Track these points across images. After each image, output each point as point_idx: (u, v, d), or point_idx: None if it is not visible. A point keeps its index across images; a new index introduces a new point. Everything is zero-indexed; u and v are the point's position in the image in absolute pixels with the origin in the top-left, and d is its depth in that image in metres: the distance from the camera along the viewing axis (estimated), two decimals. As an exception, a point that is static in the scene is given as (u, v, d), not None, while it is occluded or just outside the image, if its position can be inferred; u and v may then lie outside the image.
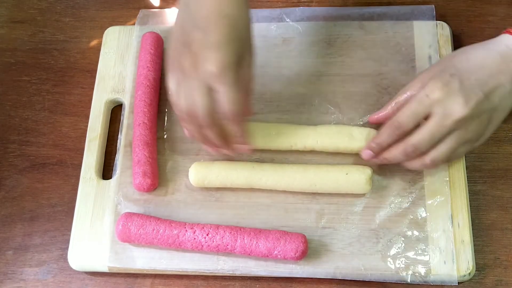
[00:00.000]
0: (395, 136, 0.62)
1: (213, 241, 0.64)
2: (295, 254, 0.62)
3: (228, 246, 0.64)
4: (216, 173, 0.67)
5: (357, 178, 0.65)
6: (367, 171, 0.65)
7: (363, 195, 0.67)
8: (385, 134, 0.63)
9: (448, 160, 0.63)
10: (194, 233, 0.64)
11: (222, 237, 0.64)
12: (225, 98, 0.57)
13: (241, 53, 0.58)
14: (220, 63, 0.55)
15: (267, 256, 0.63)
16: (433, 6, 0.76)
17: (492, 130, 0.62)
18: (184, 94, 0.59)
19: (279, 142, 0.68)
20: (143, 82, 0.72)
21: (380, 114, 0.67)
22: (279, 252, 0.63)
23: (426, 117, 0.60)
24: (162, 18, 0.80)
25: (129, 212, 0.66)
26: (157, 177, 0.69)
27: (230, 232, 0.64)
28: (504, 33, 0.64)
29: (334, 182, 0.66)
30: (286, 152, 0.70)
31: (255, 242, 0.63)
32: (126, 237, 0.65)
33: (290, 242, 0.63)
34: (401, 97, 0.65)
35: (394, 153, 0.63)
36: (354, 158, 0.69)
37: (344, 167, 0.66)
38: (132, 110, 0.73)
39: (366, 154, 0.65)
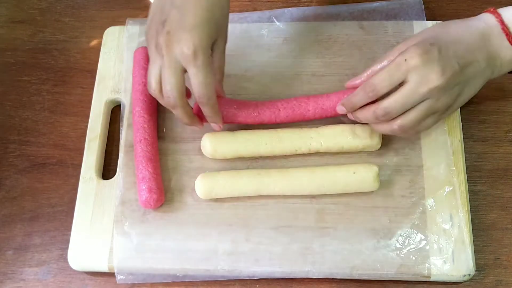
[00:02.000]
0: (368, 98, 0.61)
1: (288, 103, 0.67)
2: None
3: (301, 103, 0.67)
4: (222, 184, 0.66)
5: (364, 176, 0.65)
6: (374, 168, 0.65)
7: (367, 193, 0.67)
8: (359, 95, 0.62)
9: (417, 130, 0.62)
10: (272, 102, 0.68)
11: (296, 98, 0.68)
12: (196, 80, 0.58)
13: (215, 37, 0.60)
14: (193, 45, 0.56)
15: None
16: (421, 1, 0.76)
17: (460, 103, 0.62)
18: (154, 70, 0.60)
19: (283, 146, 0.68)
20: (140, 98, 0.71)
21: (356, 81, 0.66)
22: None
23: (401, 83, 0.59)
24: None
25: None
26: (163, 192, 0.68)
27: (302, 96, 0.68)
28: (485, 12, 0.64)
29: (342, 182, 0.65)
30: (290, 156, 0.69)
31: (326, 96, 0.67)
32: None
33: None
34: (378, 66, 0.64)
35: (365, 114, 0.63)
36: (359, 156, 0.69)
37: (351, 167, 0.66)
38: (132, 110, 0.73)
39: (339, 108, 0.65)
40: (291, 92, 0.73)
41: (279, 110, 0.68)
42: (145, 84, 0.71)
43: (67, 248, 0.67)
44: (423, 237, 0.64)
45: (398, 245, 0.64)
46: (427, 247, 0.64)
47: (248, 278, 0.65)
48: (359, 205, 0.67)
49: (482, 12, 0.64)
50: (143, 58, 0.74)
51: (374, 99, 0.61)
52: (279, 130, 0.69)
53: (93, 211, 0.69)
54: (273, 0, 0.82)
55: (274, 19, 0.78)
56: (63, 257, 0.68)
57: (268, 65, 0.75)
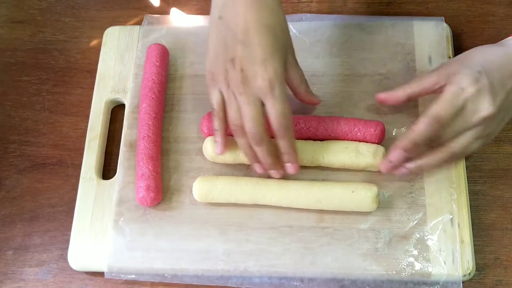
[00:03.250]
0: (434, 130, 0.58)
1: (296, 126, 0.67)
2: (374, 131, 0.67)
3: (310, 129, 0.67)
4: (220, 189, 0.66)
5: (363, 196, 0.64)
6: (374, 189, 0.64)
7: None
8: (421, 129, 0.58)
9: (463, 155, 0.63)
10: None
11: (305, 120, 0.68)
12: (274, 111, 0.58)
13: (285, 59, 0.60)
14: (268, 77, 0.57)
15: (348, 135, 0.67)
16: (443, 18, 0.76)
17: (501, 128, 0.62)
18: (233, 109, 0.60)
19: None
20: (148, 95, 0.71)
21: (390, 95, 0.65)
22: (359, 129, 0.66)
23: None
24: (167, 23, 0.80)
25: None
26: (161, 191, 0.68)
27: (312, 117, 0.68)
28: None
29: (339, 200, 0.64)
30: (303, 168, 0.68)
31: (336, 121, 0.67)
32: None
33: (369, 122, 0.67)
34: (417, 88, 0.63)
35: (433, 160, 0.60)
36: (361, 175, 0.68)
37: (350, 185, 0.65)
38: (133, 109, 0.73)
39: (399, 155, 0.60)
40: (290, 93, 0.73)
41: None
42: (154, 81, 0.72)
43: (67, 248, 0.67)
44: (423, 238, 0.64)
45: (398, 246, 0.64)
46: (427, 248, 0.64)
47: (236, 286, 0.65)
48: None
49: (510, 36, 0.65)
50: (155, 55, 0.74)
51: (438, 130, 0.59)
52: None
53: (93, 211, 0.69)
54: (273, 0, 0.82)
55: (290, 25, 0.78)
56: (63, 257, 0.68)
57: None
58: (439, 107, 0.58)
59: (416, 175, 0.65)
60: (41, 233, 0.70)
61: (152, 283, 0.66)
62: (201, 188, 0.66)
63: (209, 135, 0.69)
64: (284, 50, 0.60)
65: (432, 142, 0.60)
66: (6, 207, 0.72)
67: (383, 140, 0.68)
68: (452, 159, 0.61)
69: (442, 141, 0.60)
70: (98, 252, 0.66)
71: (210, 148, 0.68)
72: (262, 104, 0.59)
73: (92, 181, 0.70)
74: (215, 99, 0.61)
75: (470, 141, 0.60)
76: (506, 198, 0.68)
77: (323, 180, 0.67)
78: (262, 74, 0.57)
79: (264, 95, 0.58)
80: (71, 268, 0.67)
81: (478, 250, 0.65)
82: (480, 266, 0.65)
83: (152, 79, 0.72)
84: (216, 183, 0.66)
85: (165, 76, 0.74)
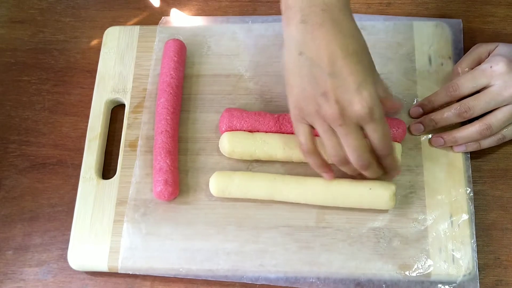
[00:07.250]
0: (449, 97, 0.65)
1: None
2: (397, 130, 0.67)
3: None
4: (237, 184, 0.66)
5: (380, 193, 0.64)
6: (391, 187, 0.64)
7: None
8: (440, 94, 0.67)
9: (502, 136, 0.67)
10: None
11: None
12: (377, 135, 0.58)
13: (374, 80, 0.58)
14: (366, 103, 0.55)
15: None
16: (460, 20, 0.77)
17: None
18: (333, 141, 0.59)
19: (300, 153, 0.67)
20: (166, 89, 0.71)
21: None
22: None
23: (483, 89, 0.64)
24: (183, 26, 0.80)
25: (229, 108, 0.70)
26: (178, 185, 0.68)
27: None
28: None
29: (357, 197, 0.64)
30: (308, 164, 0.68)
31: None
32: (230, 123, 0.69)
33: (391, 121, 0.67)
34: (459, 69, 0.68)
35: (446, 113, 0.66)
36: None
37: (368, 182, 0.65)
38: (133, 110, 0.74)
39: (415, 110, 0.69)
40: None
41: None
42: (172, 76, 0.72)
43: (67, 248, 0.68)
44: (423, 237, 0.64)
45: (398, 245, 0.64)
46: (427, 247, 0.64)
47: (251, 282, 0.65)
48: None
49: None
50: (173, 51, 0.74)
51: (455, 99, 0.64)
52: None
53: (93, 211, 0.69)
54: (273, 0, 0.82)
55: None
56: (63, 257, 0.68)
57: (269, 65, 0.75)
58: (462, 79, 0.65)
59: (449, 146, 0.68)
60: (41, 233, 0.70)
61: (152, 283, 0.66)
62: (218, 183, 0.66)
63: (226, 131, 0.69)
64: (372, 72, 0.58)
65: (462, 114, 0.65)
66: (6, 207, 0.72)
67: (403, 139, 0.68)
68: (488, 132, 0.65)
69: (478, 114, 0.65)
70: (98, 252, 0.66)
71: (227, 143, 0.68)
72: (361, 128, 0.58)
73: (92, 181, 0.70)
74: (303, 133, 0.61)
75: (507, 116, 0.64)
76: (506, 198, 0.68)
77: (340, 177, 0.66)
78: (359, 101, 0.55)
79: (364, 121, 0.57)
80: (71, 268, 0.67)
81: (478, 250, 0.65)
82: (480, 266, 0.65)
83: (170, 74, 0.72)
84: (233, 178, 0.66)
85: (183, 71, 0.74)
